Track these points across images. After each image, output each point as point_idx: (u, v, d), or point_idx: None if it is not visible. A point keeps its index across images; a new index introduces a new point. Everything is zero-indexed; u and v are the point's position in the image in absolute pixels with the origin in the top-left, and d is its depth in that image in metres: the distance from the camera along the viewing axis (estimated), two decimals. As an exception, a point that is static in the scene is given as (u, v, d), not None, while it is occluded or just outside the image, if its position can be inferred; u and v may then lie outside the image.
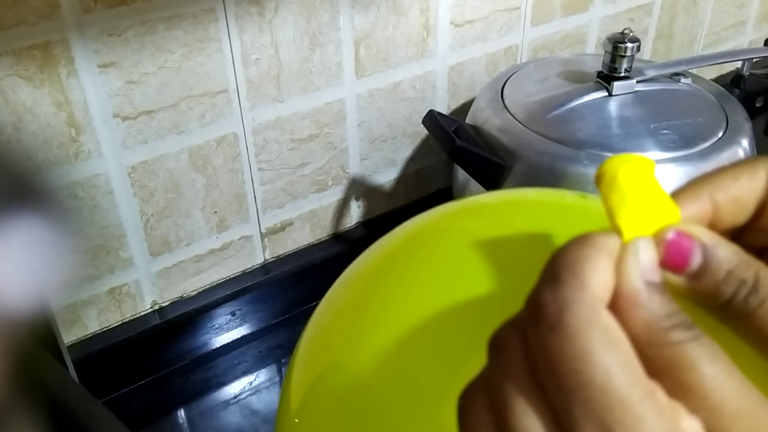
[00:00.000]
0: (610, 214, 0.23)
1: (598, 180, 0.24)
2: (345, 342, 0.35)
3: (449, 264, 0.34)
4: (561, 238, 0.31)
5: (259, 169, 0.67)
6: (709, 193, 0.24)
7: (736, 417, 0.20)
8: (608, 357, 0.20)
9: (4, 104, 0.52)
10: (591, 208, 0.37)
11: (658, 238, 0.22)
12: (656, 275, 0.22)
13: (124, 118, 0.58)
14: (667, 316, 0.21)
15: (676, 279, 0.22)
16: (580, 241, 0.22)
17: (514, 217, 0.37)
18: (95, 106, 0.56)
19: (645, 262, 0.22)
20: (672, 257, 0.22)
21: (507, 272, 0.32)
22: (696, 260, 0.22)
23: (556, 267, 0.21)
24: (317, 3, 0.63)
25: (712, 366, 0.20)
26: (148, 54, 0.56)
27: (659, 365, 0.20)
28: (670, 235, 0.22)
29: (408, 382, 0.31)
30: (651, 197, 0.23)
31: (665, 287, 0.22)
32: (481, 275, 0.32)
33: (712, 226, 0.24)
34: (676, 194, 0.24)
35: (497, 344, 0.22)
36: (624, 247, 0.22)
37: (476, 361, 0.24)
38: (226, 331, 0.71)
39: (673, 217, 0.23)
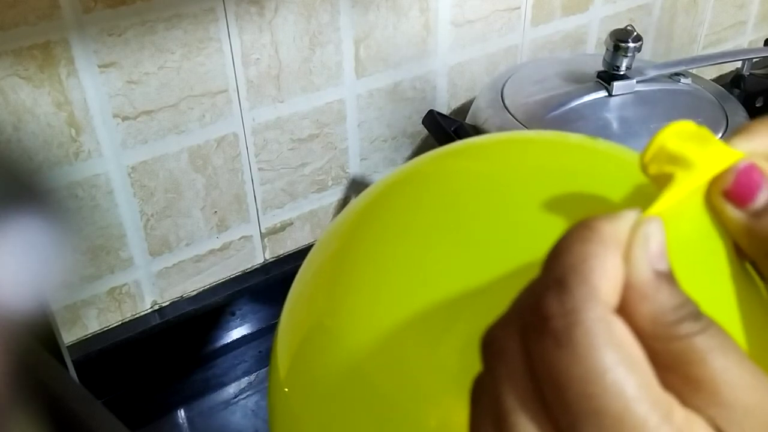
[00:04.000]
0: (680, 161, 0.22)
1: (647, 160, 0.23)
2: (326, 302, 0.32)
3: (436, 210, 0.30)
4: (566, 179, 0.28)
5: (259, 169, 0.67)
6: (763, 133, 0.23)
7: (747, 411, 0.19)
8: (623, 381, 0.18)
9: (4, 104, 0.52)
10: (597, 149, 0.33)
11: (729, 169, 0.22)
12: (665, 263, 0.20)
13: (124, 118, 0.58)
14: (675, 309, 0.19)
15: (734, 215, 0.22)
16: (585, 234, 0.20)
17: (513, 157, 0.33)
18: (95, 106, 0.56)
19: (654, 248, 0.20)
20: (741, 187, 0.21)
21: (502, 218, 0.28)
22: (763, 196, 0.21)
23: (562, 268, 0.19)
24: (317, 3, 0.63)
25: (723, 359, 0.19)
26: (148, 54, 0.56)
27: (667, 360, 0.19)
28: (742, 165, 0.22)
29: (393, 340, 0.28)
30: (708, 143, 0.22)
31: (673, 277, 0.20)
32: (475, 221, 0.29)
33: None
34: (728, 139, 0.23)
35: (493, 347, 0.21)
36: (633, 232, 0.20)
37: (466, 318, 0.22)
38: (226, 331, 0.71)
39: (736, 155, 0.22)
